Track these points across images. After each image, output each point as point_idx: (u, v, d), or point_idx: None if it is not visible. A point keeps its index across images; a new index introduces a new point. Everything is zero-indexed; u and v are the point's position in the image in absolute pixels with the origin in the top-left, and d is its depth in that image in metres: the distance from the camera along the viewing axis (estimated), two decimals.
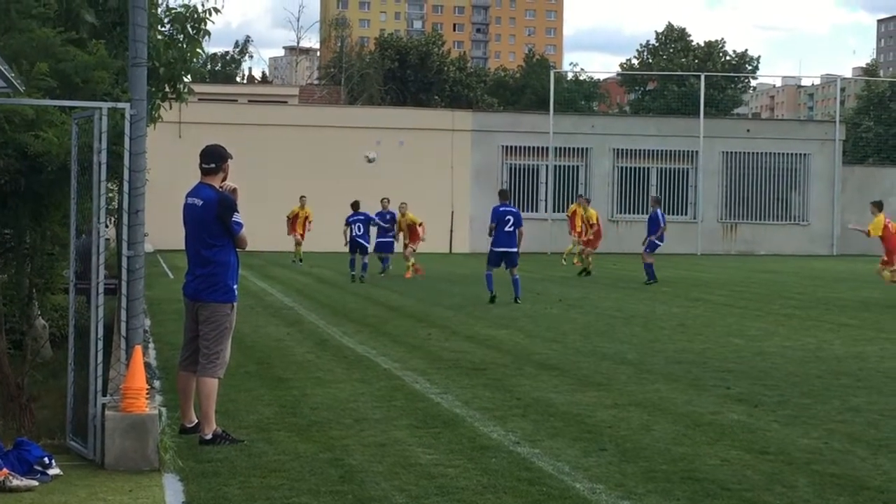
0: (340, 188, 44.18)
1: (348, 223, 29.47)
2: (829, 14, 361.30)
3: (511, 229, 22.84)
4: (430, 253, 41.11)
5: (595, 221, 33.82)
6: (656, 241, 29.29)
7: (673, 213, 50.42)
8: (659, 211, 29.79)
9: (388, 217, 30.72)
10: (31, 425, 9.45)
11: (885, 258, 25.28)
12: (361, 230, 29.02)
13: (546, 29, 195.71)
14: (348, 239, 29.32)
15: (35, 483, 7.82)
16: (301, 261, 36.09)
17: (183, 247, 9.60)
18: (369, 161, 32.75)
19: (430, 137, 48.52)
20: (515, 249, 22.92)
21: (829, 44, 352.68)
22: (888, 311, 22.25)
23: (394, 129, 48.51)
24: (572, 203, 39.25)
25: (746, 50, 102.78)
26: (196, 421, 9.49)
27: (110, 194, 12.25)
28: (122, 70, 10.94)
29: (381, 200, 31.24)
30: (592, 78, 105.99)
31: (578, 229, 35.37)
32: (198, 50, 13.30)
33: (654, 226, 29.43)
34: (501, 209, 23.04)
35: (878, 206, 26.58)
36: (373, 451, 9.03)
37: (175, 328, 15.34)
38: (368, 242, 29.09)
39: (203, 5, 13.30)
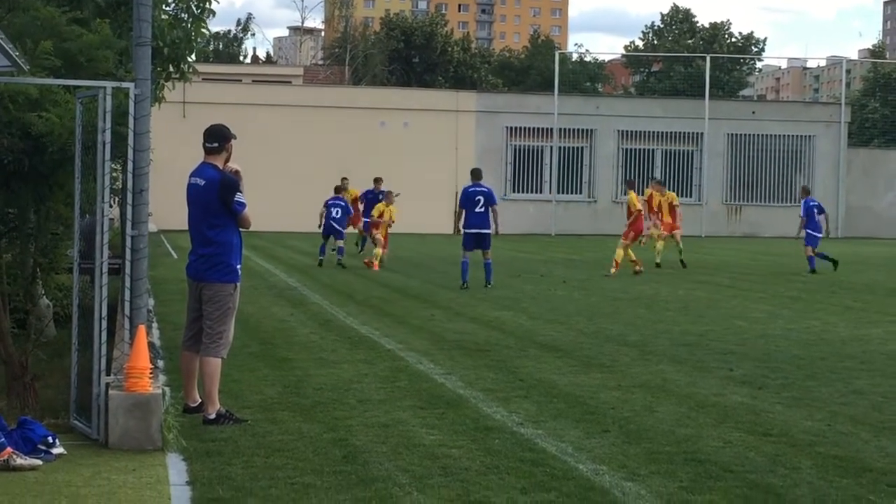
0: (345, 169, 44.17)
1: (326, 206, 28.64)
2: None
3: (482, 209, 21.80)
4: (435, 234, 41.15)
5: (676, 204, 32.27)
6: (811, 233, 27.47)
7: (677, 195, 50.35)
8: (807, 200, 28.05)
9: (370, 196, 30.19)
10: (34, 404, 9.46)
11: (626, 233, 25.55)
12: (339, 214, 28.40)
13: (551, 10, 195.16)
14: (323, 221, 28.42)
15: (39, 462, 7.83)
16: (360, 246, 32.00)
17: (186, 227, 9.60)
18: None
19: (434, 118, 48.49)
20: (488, 231, 21.86)
21: (835, 26, 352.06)
22: (893, 294, 22.24)
23: (398, 109, 48.51)
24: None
25: (752, 32, 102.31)
26: (199, 400, 9.50)
27: (114, 174, 12.22)
28: (125, 50, 10.91)
29: (375, 180, 30.61)
30: (597, 59, 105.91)
31: (656, 209, 34.02)
32: (202, 29, 13.26)
33: (806, 215, 27.72)
34: (470, 189, 22.06)
35: (630, 184, 27.07)
36: (376, 432, 9.04)
37: (179, 308, 15.35)
38: (344, 227, 28.39)
39: None
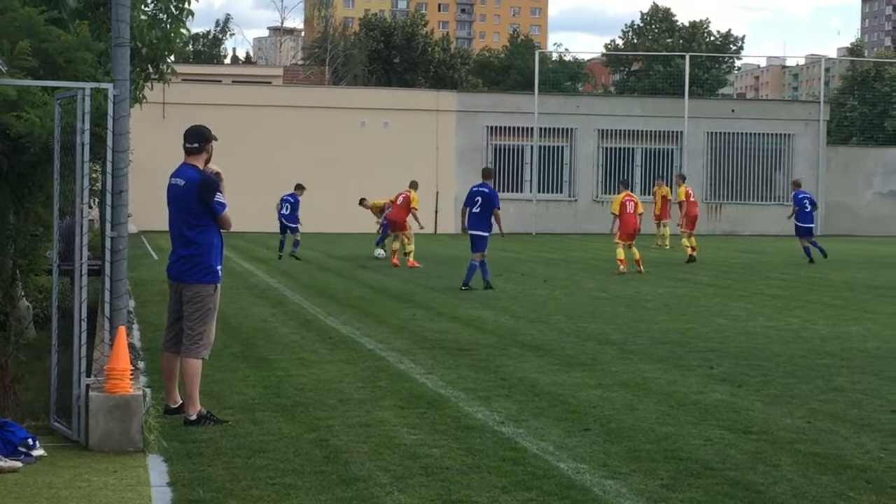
0: (325, 169, 44.23)
1: (280, 202, 30.01)
2: None
3: (478, 210, 21.33)
4: (415, 234, 41.11)
5: (682, 199, 32.44)
6: (798, 224, 29.85)
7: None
8: (796, 192, 30.25)
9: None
10: (15, 406, 9.42)
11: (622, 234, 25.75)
12: (288, 211, 29.47)
13: (531, 9, 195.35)
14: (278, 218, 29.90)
15: (19, 464, 7.80)
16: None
17: (167, 228, 9.59)
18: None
19: (414, 118, 48.40)
20: (481, 233, 21.33)
21: (814, 24, 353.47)
22: (872, 292, 22.33)
23: (378, 109, 48.40)
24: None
25: (730, 30, 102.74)
26: (180, 401, 9.48)
27: (94, 175, 12.18)
28: (104, 53, 10.87)
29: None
30: (577, 58, 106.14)
31: (657, 212, 36.42)
32: (181, 30, 13.23)
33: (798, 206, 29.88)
34: (473, 189, 21.80)
35: (625, 184, 28.01)
36: (357, 432, 9.04)
37: (159, 309, 15.32)
38: (295, 223, 29.44)
39: None
